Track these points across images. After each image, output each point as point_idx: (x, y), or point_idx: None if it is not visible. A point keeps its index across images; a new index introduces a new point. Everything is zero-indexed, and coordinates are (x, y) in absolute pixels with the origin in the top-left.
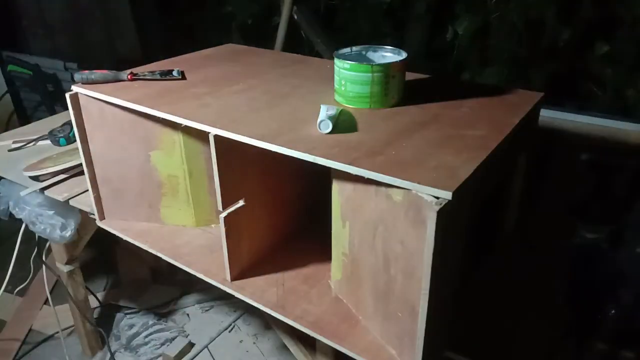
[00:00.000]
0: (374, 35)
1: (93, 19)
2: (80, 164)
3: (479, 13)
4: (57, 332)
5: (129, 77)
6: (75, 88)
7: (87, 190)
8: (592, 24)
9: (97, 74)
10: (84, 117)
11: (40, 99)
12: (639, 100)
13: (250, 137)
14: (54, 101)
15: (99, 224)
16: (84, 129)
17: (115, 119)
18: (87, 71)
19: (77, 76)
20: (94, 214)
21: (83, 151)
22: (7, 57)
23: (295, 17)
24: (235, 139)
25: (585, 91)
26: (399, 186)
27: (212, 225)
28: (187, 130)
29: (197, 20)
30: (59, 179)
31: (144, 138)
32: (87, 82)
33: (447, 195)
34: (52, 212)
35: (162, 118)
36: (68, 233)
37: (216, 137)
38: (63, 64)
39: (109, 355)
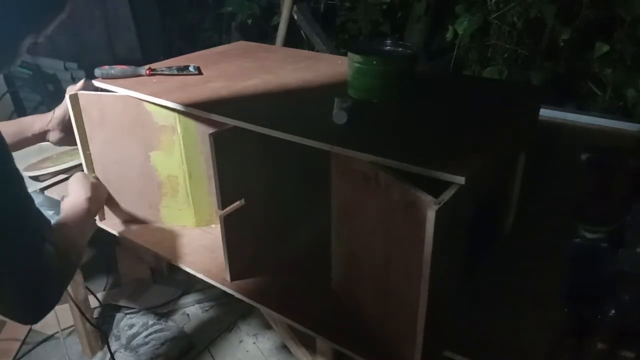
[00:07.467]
0: (374, 35)
1: (93, 19)
2: (80, 164)
3: (479, 13)
4: (57, 332)
5: (147, 72)
6: (95, 82)
7: None
8: (592, 24)
9: (117, 69)
10: (84, 117)
11: (40, 99)
12: (639, 100)
13: (268, 127)
14: (54, 101)
15: (99, 224)
16: (84, 129)
17: (116, 119)
18: (107, 66)
19: (97, 71)
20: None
21: (83, 151)
22: None
23: (295, 17)
24: (254, 129)
25: (585, 91)
26: (414, 172)
27: (212, 225)
28: (187, 130)
29: (197, 20)
30: (59, 179)
31: (144, 138)
32: (107, 77)
33: (460, 180)
34: (52, 212)
35: (170, 113)
36: None
37: (215, 135)
38: (63, 64)
39: (109, 355)
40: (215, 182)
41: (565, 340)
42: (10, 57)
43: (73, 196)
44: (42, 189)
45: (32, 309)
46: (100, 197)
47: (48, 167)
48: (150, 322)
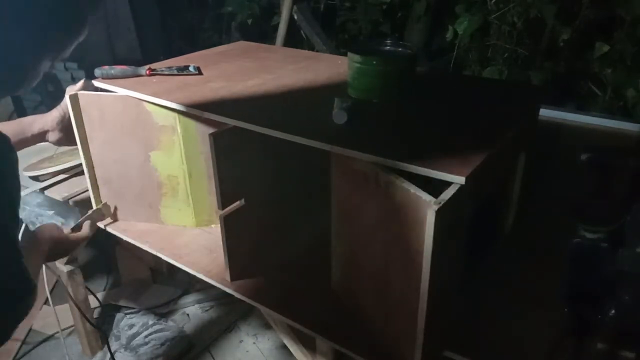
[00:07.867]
0: (374, 35)
1: (93, 19)
2: (80, 164)
3: (479, 13)
4: (57, 332)
5: (147, 72)
6: (95, 82)
7: (87, 190)
8: (592, 24)
9: (117, 69)
10: (84, 117)
11: (40, 99)
12: (639, 100)
13: (268, 127)
14: (54, 101)
15: (99, 224)
16: (84, 130)
17: (116, 119)
18: (107, 67)
19: (97, 71)
20: None
21: (83, 152)
22: None
23: (295, 17)
24: (254, 129)
25: (585, 91)
26: (414, 172)
27: (212, 225)
28: (187, 130)
29: (197, 20)
30: (59, 179)
31: (144, 138)
32: (107, 77)
33: (460, 180)
34: (52, 212)
35: (170, 113)
36: None
37: (216, 135)
38: (63, 64)
39: (109, 355)
40: (215, 182)
41: (565, 340)
42: (26, 78)
43: (34, 243)
44: (42, 189)
45: None
46: (65, 250)
47: (48, 167)
48: (150, 322)
